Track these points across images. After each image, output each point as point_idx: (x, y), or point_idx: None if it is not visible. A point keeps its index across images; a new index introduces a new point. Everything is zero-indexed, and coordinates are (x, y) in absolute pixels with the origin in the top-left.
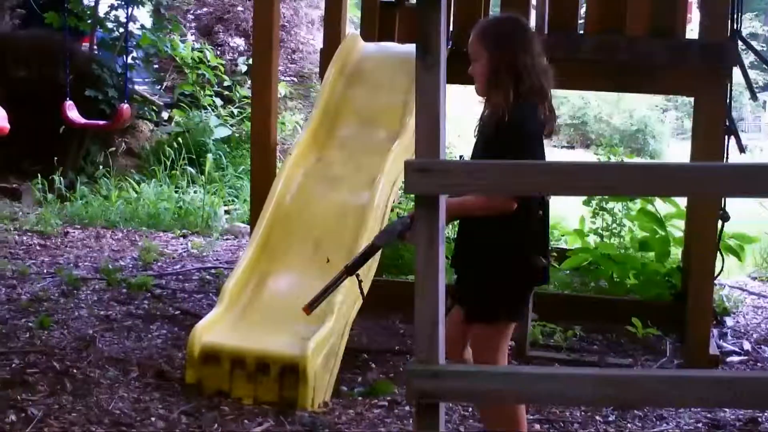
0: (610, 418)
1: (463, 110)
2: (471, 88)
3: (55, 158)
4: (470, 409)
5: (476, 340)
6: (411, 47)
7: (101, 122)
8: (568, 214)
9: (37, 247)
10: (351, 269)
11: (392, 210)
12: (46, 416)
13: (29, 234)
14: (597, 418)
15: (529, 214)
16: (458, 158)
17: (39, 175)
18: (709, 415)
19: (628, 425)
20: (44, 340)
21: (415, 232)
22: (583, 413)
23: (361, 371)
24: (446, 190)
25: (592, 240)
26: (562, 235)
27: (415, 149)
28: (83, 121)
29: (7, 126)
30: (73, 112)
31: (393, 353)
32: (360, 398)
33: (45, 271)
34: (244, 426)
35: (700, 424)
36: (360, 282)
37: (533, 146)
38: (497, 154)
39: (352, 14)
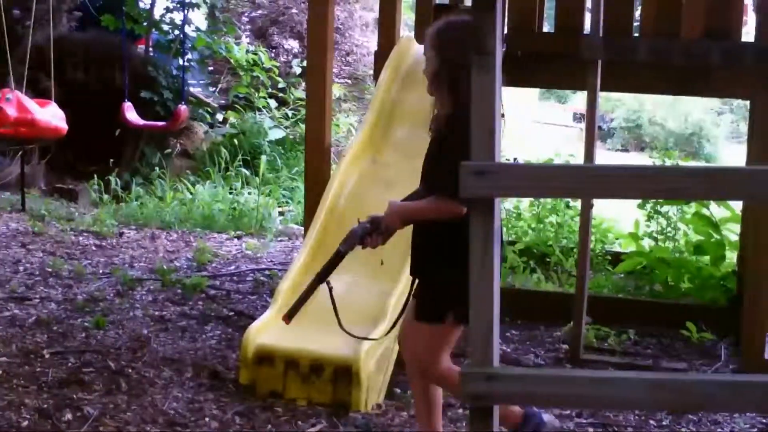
0: (664, 423)
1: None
2: (521, 90)
3: (111, 160)
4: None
5: (417, 337)
6: None
7: (159, 123)
8: (621, 217)
9: (93, 248)
10: (322, 277)
11: None
12: (102, 415)
13: (85, 234)
14: (651, 422)
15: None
16: (511, 161)
17: (95, 176)
18: (764, 420)
19: (683, 429)
20: (100, 340)
21: (373, 238)
22: (637, 417)
23: None
24: (501, 193)
25: (647, 243)
26: (617, 239)
27: (471, 151)
28: (142, 122)
29: (66, 127)
30: (131, 114)
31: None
32: (413, 400)
33: (101, 271)
34: (297, 427)
35: (755, 430)
36: (330, 289)
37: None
38: (453, 150)
39: (407, 16)
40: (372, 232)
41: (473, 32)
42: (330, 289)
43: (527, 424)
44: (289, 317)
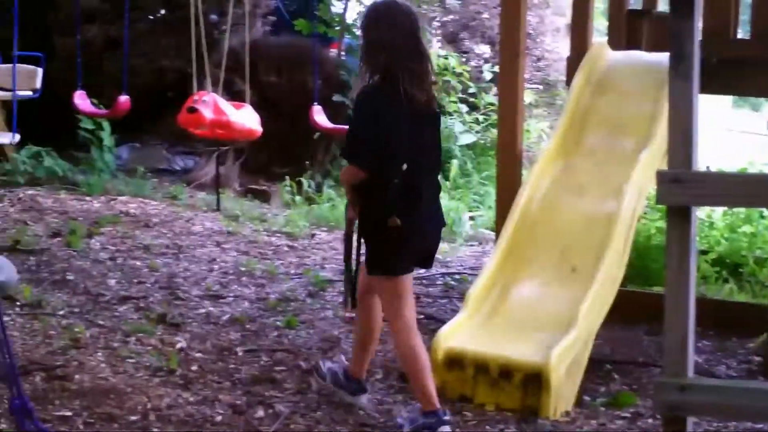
0: None
1: (705, 120)
2: (713, 97)
3: (307, 162)
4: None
5: (374, 289)
6: (660, 56)
7: (347, 127)
8: None
9: (285, 248)
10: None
11: (638, 220)
12: (293, 413)
13: (278, 235)
14: None
15: (388, 183)
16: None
17: (288, 177)
18: None
19: None
20: (291, 339)
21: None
22: None
23: (604, 382)
24: (699, 202)
25: None
26: None
27: (667, 159)
28: (330, 125)
29: (260, 129)
30: (320, 117)
31: (637, 365)
32: (602, 409)
33: (292, 271)
34: None
35: None
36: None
37: (368, 122)
38: (354, 122)
39: (599, 22)
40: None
41: (389, 13)
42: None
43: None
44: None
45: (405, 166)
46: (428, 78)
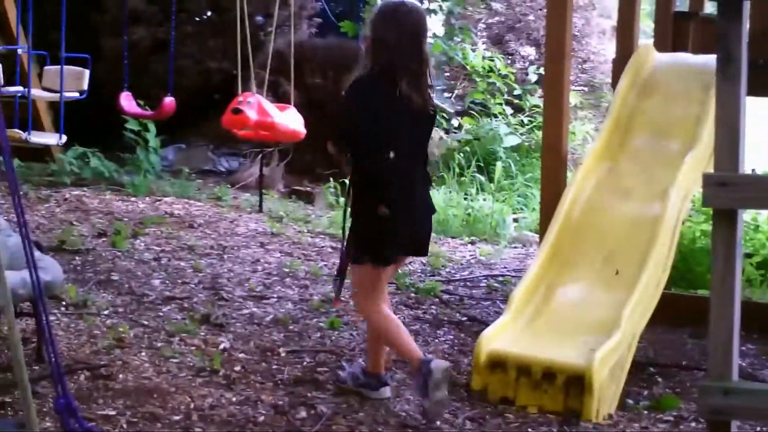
0: None
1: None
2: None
3: None
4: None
5: (353, 277)
6: (706, 58)
7: None
8: None
9: (329, 249)
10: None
11: (683, 223)
12: (335, 414)
13: (321, 236)
14: None
15: (377, 172)
16: (749, 172)
17: (331, 179)
18: None
19: None
20: (334, 341)
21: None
22: None
23: (647, 385)
24: (745, 205)
25: None
26: None
27: (714, 162)
28: None
29: (304, 131)
30: None
31: (680, 368)
32: (645, 412)
33: (335, 273)
34: None
35: None
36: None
37: (350, 108)
38: (339, 107)
39: (645, 24)
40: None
41: (396, 14)
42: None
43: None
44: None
45: (392, 155)
46: (426, 81)
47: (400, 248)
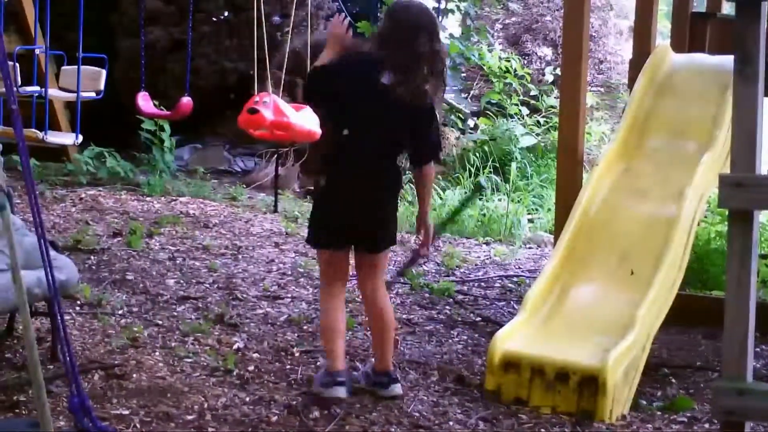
0: None
1: None
2: None
3: None
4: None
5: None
6: (723, 59)
7: None
8: None
9: None
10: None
11: (698, 224)
12: (348, 414)
13: None
14: None
15: (327, 148)
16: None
17: None
18: None
19: None
20: (348, 341)
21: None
22: None
23: (661, 386)
24: (762, 206)
25: None
26: None
27: (730, 162)
28: None
29: (319, 131)
30: None
31: (694, 369)
32: (659, 413)
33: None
34: None
35: None
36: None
37: (310, 97)
38: None
39: (662, 25)
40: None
41: (396, 14)
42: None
43: None
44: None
45: (346, 132)
46: (416, 77)
47: (331, 234)
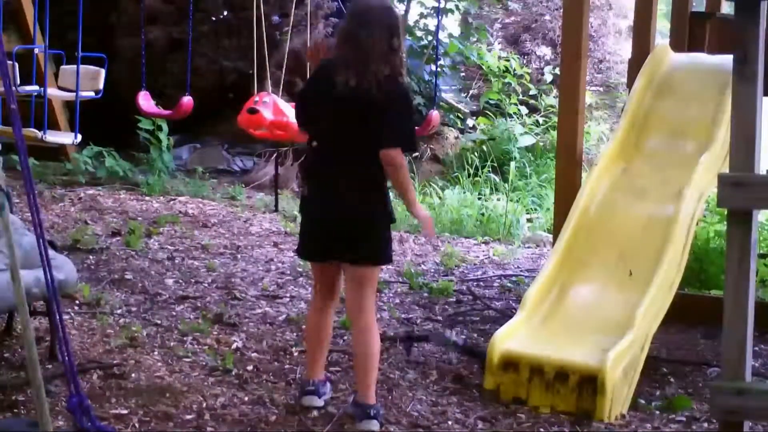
0: None
1: None
2: None
3: None
4: None
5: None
6: (722, 59)
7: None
8: None
9: None
10: None
11: (697, 224)
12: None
13: None
14: None
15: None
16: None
17: None
18: None
19: None
20: (347, 341)
21: None
22: None
23: (660, 385)
24: (761, 205)
25: None
26: None
27: (729, 162)
28: None
29: None
30: None
31: (693, 368)
32: (657, 412)
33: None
34: None
35: None
36: None
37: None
38: None
39: (661, 25)
40: None
41: (353, 10)
42: None
43: None
44: None
45: (314, 144)
46: (362, 67)
47: (305, 247)
